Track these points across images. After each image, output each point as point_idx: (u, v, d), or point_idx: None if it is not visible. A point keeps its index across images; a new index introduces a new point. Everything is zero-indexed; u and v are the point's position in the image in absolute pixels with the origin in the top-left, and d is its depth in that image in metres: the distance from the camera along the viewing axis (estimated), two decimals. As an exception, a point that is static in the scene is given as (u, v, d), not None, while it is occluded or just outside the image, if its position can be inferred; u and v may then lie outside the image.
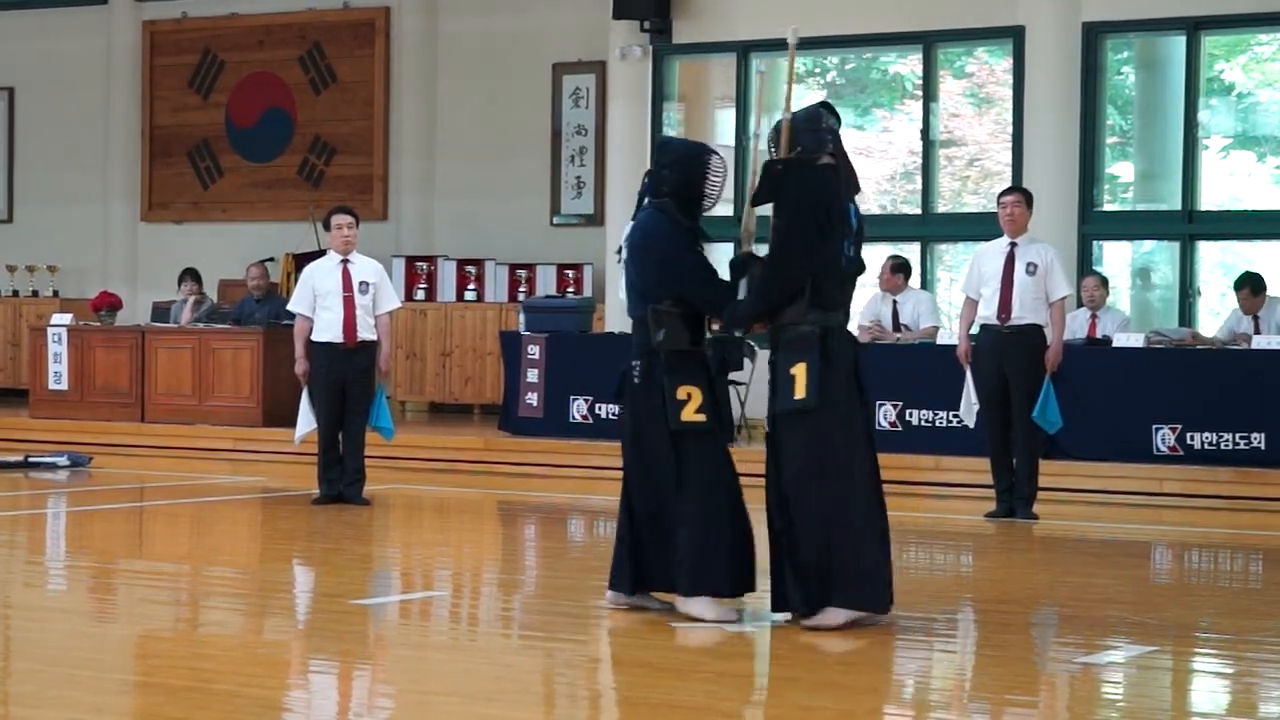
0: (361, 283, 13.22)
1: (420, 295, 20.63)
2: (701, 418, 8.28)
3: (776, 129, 8.37)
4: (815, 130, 8.31)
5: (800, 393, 8.06)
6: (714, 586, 8.28)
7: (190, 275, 19.31)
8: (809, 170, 8.25)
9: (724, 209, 17.80)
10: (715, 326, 8.48)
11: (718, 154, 8.59)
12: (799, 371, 8.07)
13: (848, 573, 8.08)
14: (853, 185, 8.39)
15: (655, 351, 8.35)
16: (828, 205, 8.19)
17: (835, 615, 8.11)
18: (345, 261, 13.30)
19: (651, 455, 8.37)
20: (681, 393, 8.28)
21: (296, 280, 13.89)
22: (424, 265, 20.80)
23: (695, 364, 8.38)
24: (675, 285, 8.36)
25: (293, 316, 13.55)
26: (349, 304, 13.15)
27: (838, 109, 8.58)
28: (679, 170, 8.51)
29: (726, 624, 8.20)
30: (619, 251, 8.63)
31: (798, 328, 8.13)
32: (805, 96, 17.64)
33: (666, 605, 8.43)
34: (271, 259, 21.04)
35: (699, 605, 8.26)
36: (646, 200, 8.60)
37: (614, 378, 8.59)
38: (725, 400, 8.57)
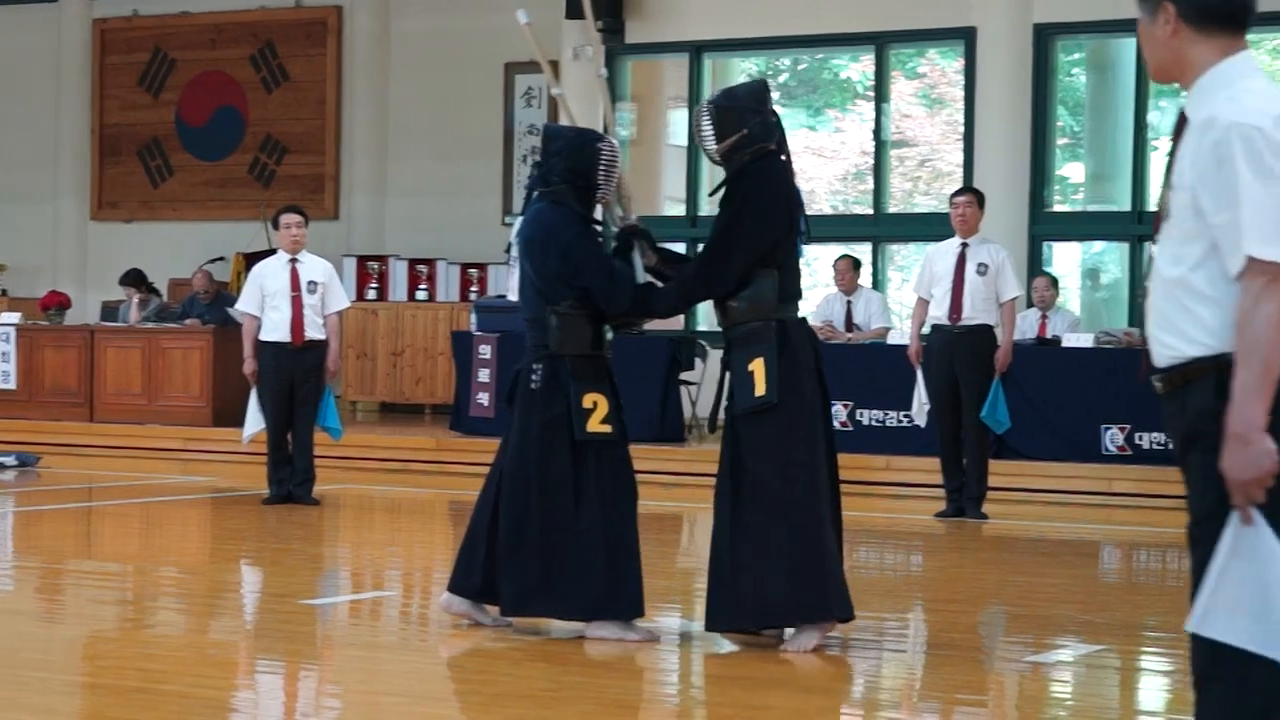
0: (310, 282, 13.18)
1: (371, 295, 20.57)
2: (607, 428, 7.75)
3: (712, 111, 7.70)
4: (761, 112, 7.71)
5: (760, 389, 7.60)
6: (625, 611, 7.76)
7: (130, 278, 19.17)
8: (769, 166, 7.71)
9: (676, 208, 17.82)
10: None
11: (609, 139, 7.95)
12: (757, 367, 7.61)
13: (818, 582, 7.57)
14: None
15: (559, 356, 7.80)
16: (788, 209, 7.70)
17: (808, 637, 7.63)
18: (294, 261, 13.26)
19: (542, 467, 7.75)
20: (588, 401, 7.74)
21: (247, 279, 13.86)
22: (375, 265, 20.75)
23: (598, 369, 7.84)
24: (578, 279, 7.73)
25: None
26: (296, 303, 13.11)
27: (790, 109, 8.26)
28: (569, 158, 7.84)
29: (648, 641, 7.73)
30: (508, 249, 8.02)
31: (750, 323, 7.66)
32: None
33: (503, 621, 7.97)
34: (222, 258, 20.98)
35: (611, 629, 7.76)
36: (536, 193, 7.95)
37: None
38: (620, 406, 7.89)
